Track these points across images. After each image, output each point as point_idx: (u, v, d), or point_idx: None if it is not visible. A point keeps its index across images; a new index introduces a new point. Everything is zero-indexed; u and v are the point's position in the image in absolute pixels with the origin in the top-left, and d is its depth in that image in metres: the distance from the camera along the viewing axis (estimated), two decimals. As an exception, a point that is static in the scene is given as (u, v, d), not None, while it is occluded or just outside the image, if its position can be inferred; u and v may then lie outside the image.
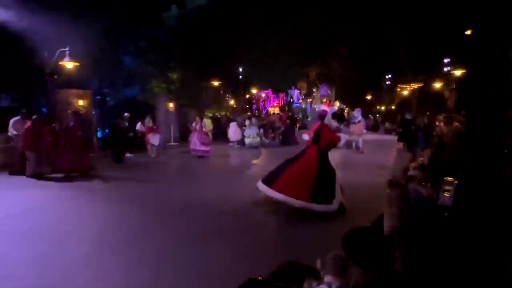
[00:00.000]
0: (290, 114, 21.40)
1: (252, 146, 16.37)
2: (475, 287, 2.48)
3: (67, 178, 8.89)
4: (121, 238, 4.81)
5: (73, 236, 4.94)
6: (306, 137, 6.85)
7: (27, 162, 9.21)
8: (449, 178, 3.61)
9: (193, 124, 14.10)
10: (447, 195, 3.62)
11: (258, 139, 16.85)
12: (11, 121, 10.34)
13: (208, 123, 17.87)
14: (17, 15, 13.50)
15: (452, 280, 2.49)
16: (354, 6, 30.60)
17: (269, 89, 36.72)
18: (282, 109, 34.55)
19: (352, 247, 1.72)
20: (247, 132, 16.93)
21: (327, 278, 2.37)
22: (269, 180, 5.97)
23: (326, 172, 5.82)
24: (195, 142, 13.04)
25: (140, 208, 6.30)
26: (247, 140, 16.73)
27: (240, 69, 32.14)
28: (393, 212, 2.32)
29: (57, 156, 9.22)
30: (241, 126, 17.96)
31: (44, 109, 16.78)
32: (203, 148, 12.94)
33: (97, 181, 8.93)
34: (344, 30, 32.31)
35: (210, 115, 23.89)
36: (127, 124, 13.49)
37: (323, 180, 5.69)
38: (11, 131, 10.20)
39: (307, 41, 31.01)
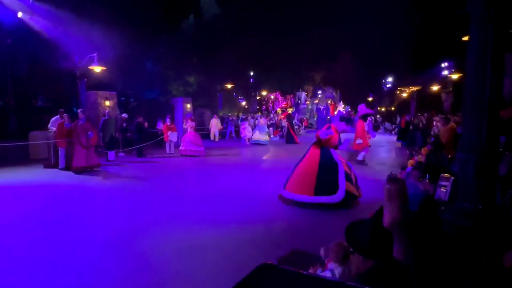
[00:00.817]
0: (289, 114, 21.25)
1: (262, 143, 16.46)
2: (470, 278, 2.44)
3: (77, 174, 8.73)
4: (143, 224, 4.87)
5: (102, 222, 5.02)
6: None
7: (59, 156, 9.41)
8: (446, 174, 3.55)
9: (185, 125, 12.97)
10: (444, 190, 3.57)
11: (267, 136, 16.95)
12: (52, 119, 10.54)
13: (217, 123, 17.97)
14: (52, 24, 13.80)
15: (447, 270, 2.46)
16: (356, 14, 30.27)
17: (278, 92, 36.73)
18: (282, 109, 34.48)
19: (353, 236, 1.71)
20: (257, 130, 17.08)
21: (331, 265, 2.37)
22: (284, 184, 6.19)
23: (327, 166, 5.86)
24: (187, 142, 12.19)
25: (163, 198, 6.35)
26: (257, 138, 16.83)
27: (251, 73, 32.21)
28: (393, 206, 2.28)
29: (69, 153, 9.09)
30: (252, 125, 18.08)
31: (74, 109, 17.09)
32: (194, 148, 12.13)
33: (121, 174, 9.07)
34: (347, 37, 31.99)
35: (220, 114, 23.99)
36: (125, 124, 12.82)
37: (324, 173, 5.77)
38: (51, 129, 10.41)
39: (313, 48, 30.83)
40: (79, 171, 8.86)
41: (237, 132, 18.92)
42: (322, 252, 2.52)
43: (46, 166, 9.72)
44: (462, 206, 3.04)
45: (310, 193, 5.67)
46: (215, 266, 3.60)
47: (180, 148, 12.45)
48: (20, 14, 12.91)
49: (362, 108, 10.20)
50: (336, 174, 5.76)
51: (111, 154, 11.01)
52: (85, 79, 14.03)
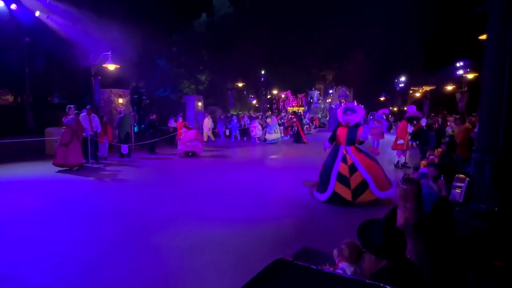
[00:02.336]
0: (295, 113, 21.10)
1: (273, 142, 16.43)
2: (483, 280, 2.40)
3: (74, 171, 8.61)
4: (154, 220, 4.94)
5: (113, 218, 5.11)
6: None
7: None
8: (461, 175, 3.48)
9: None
10: (458, 191, 3.50)
11: (278, 135, 16.89)
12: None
13: (208, 122, 17.06)
14: (68, 23, 14.08)
15: (461, 271, 2.42)
16: (369, 11, 29.86)
17: (288, 90, 36.57)
18: (292, 108, 34.41)
19: (366, 236, 1.70)
20: (269, 129, 17.03)
21: (342, 264, 2.36)
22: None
23: (327, 165, 6.11)
24: (184, 140, 11.72)
25: (173, 194, 6.42)
26: (268, 136, 16.80)
27: (262, 72, 32.19)
28: (407, 206, 2.26)
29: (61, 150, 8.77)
30: (263, 123, 18.06)
31: (89, 106, 17.38)
32: (192, 144, 11.62)
33: (133, 170, 9.20)
34: (359, 35, 31.63)
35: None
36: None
37: (324, 172, 6.10)
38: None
39: (325, 47, 30.61)
40: (71, 168, 8.76)
41: (241, 131, 18.90)
42: (335, 252, 2.51)
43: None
44: (478, 207, 2.99)
45: (315, 188, 6.34)
46: (225, 263, 3.62)
47: (179, 147, 12.08)
48: (37, 13, 13.22)
49: (411, 110, 10.03)
50: (329, 174, 5.91)
51: (124, 147, 11.21)
52: (99, 77, 14.28)
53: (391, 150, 10.17)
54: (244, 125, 18.99)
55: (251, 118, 19.62)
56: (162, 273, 3.41)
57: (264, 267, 1.08)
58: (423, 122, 14.45)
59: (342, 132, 6.11)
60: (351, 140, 6.02)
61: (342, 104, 33.49)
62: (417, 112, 10.14)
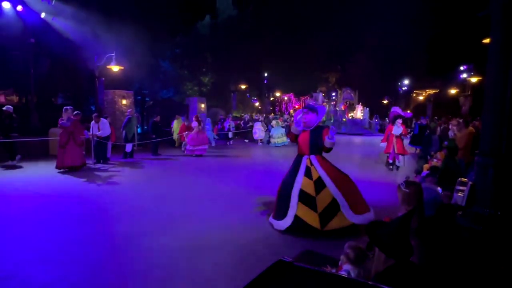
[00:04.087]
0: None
1: (277, 145, 16.36)
2: (486, 283, 2.39)
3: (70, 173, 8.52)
4: (160, 220, 4.96)
5: (118, 218, 5.13)
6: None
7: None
8: (463, 179, 3.48)
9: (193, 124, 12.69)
10: (461, 195, 3.49)
11: (284, 138, 16.66)
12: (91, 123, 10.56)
13: (175, 126, 14.69)
14: (73, 25, 14.19)
15: (463, 274, 2.41)
16: (373, 14, 29.89)
17: (291, 93, 36.60)
18: (294, 110, 34.36)
19: (378, 234, 1.70)
20: (273, 132, 16.89)
21: (346, 267, 2.36)
22: None
23: (282, 182, 4.88)
24: (194, 143, 12.17)
25: (175, 196, 6.44)
26: (273, 140, 16.69)
27: (265, 74, 32.26)
28: (408, 209, 2.26)
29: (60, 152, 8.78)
30: (267, 126, 17.99)
31: (92, 107, 17.52)
32: (201, 147, 12.20)
33: (136, 172, 9.23)
34: (363, 38, 31.64)
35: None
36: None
37: (282, 193, 4.77)
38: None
39: (328, 50, 30.65)
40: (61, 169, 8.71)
41: (243, 133, 18.87)
42: (342, 259, 2.50)
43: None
44: (480, 211, 2.98)
45: (272, 213, 4.94)
46: (225, 265, 3.63)
47: (187, 148, 12.45)
48: (43, 15, 13.34)
49: (394, 110, 9.84)
50: (289, 193, 4.56)
51: (129, 146, 11.31)
52: (103, 78, 14.37)
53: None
54: (230, 128, 17.90)
55: (254, 120, 19.63)
56: (166, 273, 3.41)
57: (265, 268, 1.09)
58: (423, 121, 14.30)
59: (304, 138, 4.76)
60: (316, 146, 4.70)
61: (347, 105, 33.55)
62: (400, 111, 10.00)
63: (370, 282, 1.15)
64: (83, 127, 9.58)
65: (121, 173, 8.84)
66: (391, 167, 9.46)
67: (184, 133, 13.19)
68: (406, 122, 12.81)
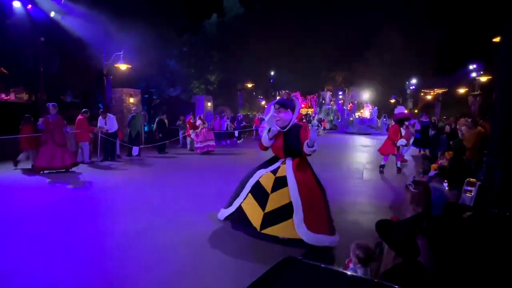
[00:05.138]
0: (302, 116, 20.75)
1: None
2: (494, 285, 2.37)
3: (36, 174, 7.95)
4: (166, 217, 5.00)
5: (124, 215, 5.19)
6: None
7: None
8: (471, 179, 3.44)
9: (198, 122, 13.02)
10: (469, 195, 3.46)
11: None
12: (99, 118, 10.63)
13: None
14: (82, 23, 14.34)
15: (470, 275, 2.39)
16: (381, 14, 29.63)
17: (298, 92, 36.46)
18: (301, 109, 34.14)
19: (390, 232, 1.71)
20: None
21: (353, 266, 2.36)
22: None
23: (247, 174, 4.39)
24: (202, 139, 12.57)
25: (181, 193, 6.47)
26: None
27: (272, 73, 32.20)
28: (418, 210, 2.26)
29: (41, 151, 8.14)
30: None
31: (100, 105, 17.68)
32: (209, 143, 12.66)
33: (142, 170, 9.31)
34: (371, 37, 31.38)
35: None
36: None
37: (240, 182, 4.41)
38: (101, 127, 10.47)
39: (335, 48, 30.44)
40: (38, 171, 8.03)
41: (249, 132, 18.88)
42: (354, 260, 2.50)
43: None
44: (488, 211, 2.95)
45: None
46: (231, 262, 3.64)
47: (197, 146, 12.62)
48: (52, 14, 13.51)
49: (399, 111, 9.53)
50: (245, 183, 4.11)
51: (135, 149, 11.33)
52: (111, 77, 14.50)
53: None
54: (228, 127, 17.35)
55: (261, 120, 19.58)
56: (173, 269, 3.45)
57: (273, 265, 1.10)
58: (425, 119, 13.97)
59: (276, 142, 4.08)
60: (292, 149, 3.96)
61: (349, 107, 33.28)
62: (406, 113, 9.76)
63: (376, 280, 1.16)
64: (64, 124, 8.65)
65: (128, 171, 8.92)
66: (381, 169, 9.26)
67: (191, 130, 13.29)
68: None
